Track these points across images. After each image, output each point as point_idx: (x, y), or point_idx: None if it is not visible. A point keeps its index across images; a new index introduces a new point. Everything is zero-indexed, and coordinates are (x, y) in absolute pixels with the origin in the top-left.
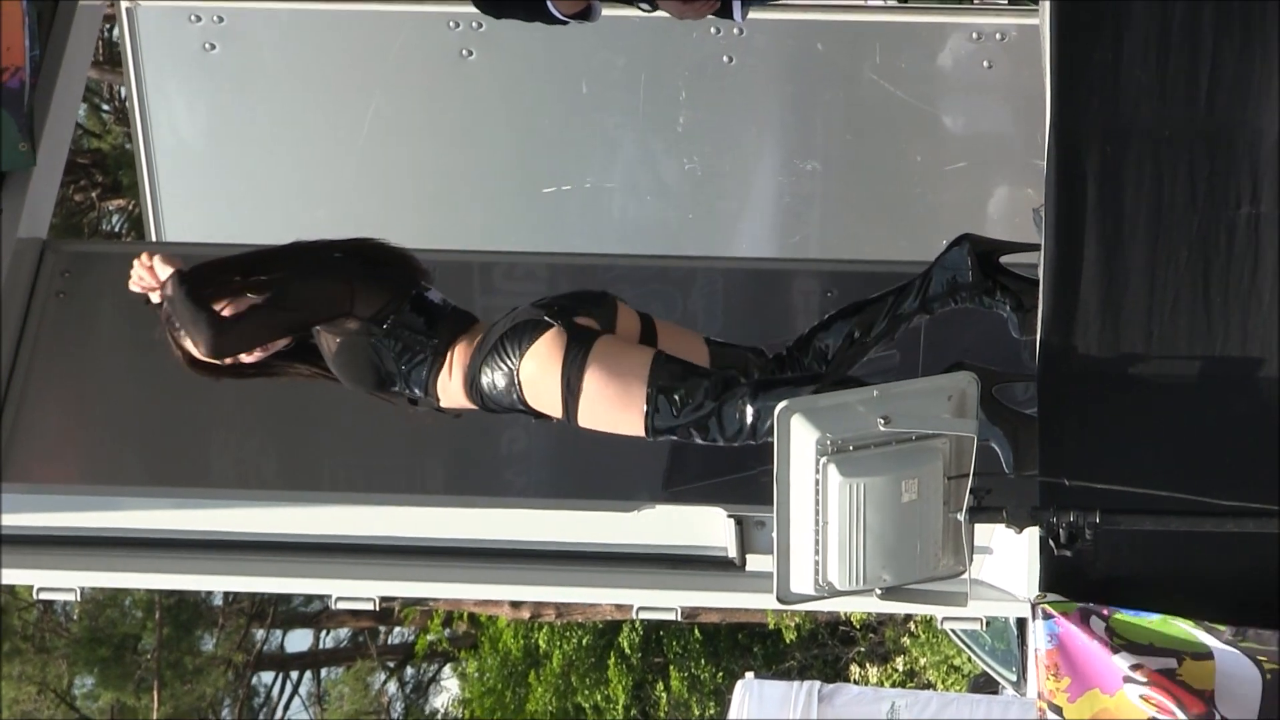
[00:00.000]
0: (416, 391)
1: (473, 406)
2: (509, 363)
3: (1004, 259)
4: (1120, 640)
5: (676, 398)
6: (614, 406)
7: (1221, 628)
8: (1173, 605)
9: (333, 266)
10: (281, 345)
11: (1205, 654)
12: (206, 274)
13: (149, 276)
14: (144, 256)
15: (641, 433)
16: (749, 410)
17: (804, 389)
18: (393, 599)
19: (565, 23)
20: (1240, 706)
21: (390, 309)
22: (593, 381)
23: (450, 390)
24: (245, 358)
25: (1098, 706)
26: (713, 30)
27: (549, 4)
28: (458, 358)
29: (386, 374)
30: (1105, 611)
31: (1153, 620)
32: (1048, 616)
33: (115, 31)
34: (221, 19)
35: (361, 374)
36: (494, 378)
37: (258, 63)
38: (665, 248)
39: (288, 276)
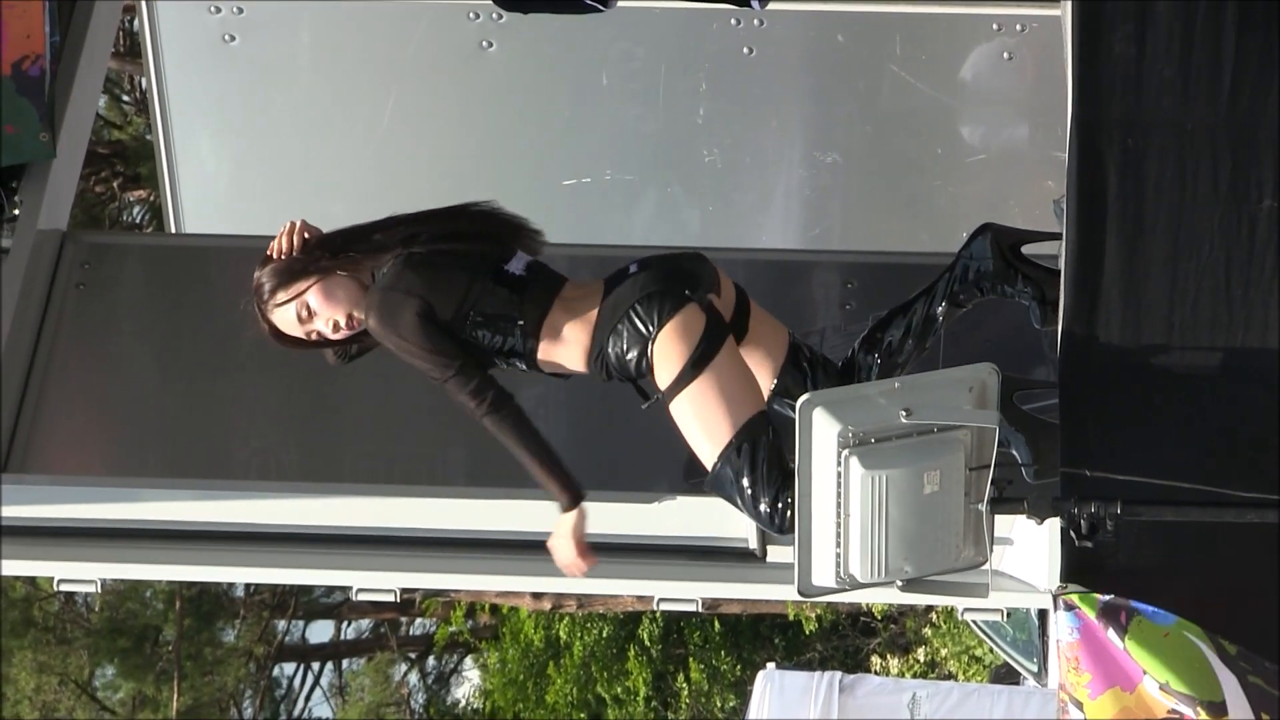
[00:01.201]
0: (520, 365)
1: (583, 371)
2: (645, 329)
3: (1026, 251)
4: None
5: (756, 459)
6: (709, 418)
7: (1231, 649)
8: (1193, 598)
9: (406, 303)
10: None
11: (1220, 705)
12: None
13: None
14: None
15: (708, 461)
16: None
17: None
18: (414, 590)
19: (597, 9)
20: None
21: (468, 304)
22: (708, 380)
23: (558, 356)
24: (330, 336)
25: (1119, 705)
26: (733, 22)
27: None
28: (561, 325)
29: (484, 352)
30: (1123, 619)
31: (1169, 629)
32: (1070, 608)
33: (135, 22)
34: (241, 10)
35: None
36: (625, 345)
37: (277, 54)
38: (685, 240)
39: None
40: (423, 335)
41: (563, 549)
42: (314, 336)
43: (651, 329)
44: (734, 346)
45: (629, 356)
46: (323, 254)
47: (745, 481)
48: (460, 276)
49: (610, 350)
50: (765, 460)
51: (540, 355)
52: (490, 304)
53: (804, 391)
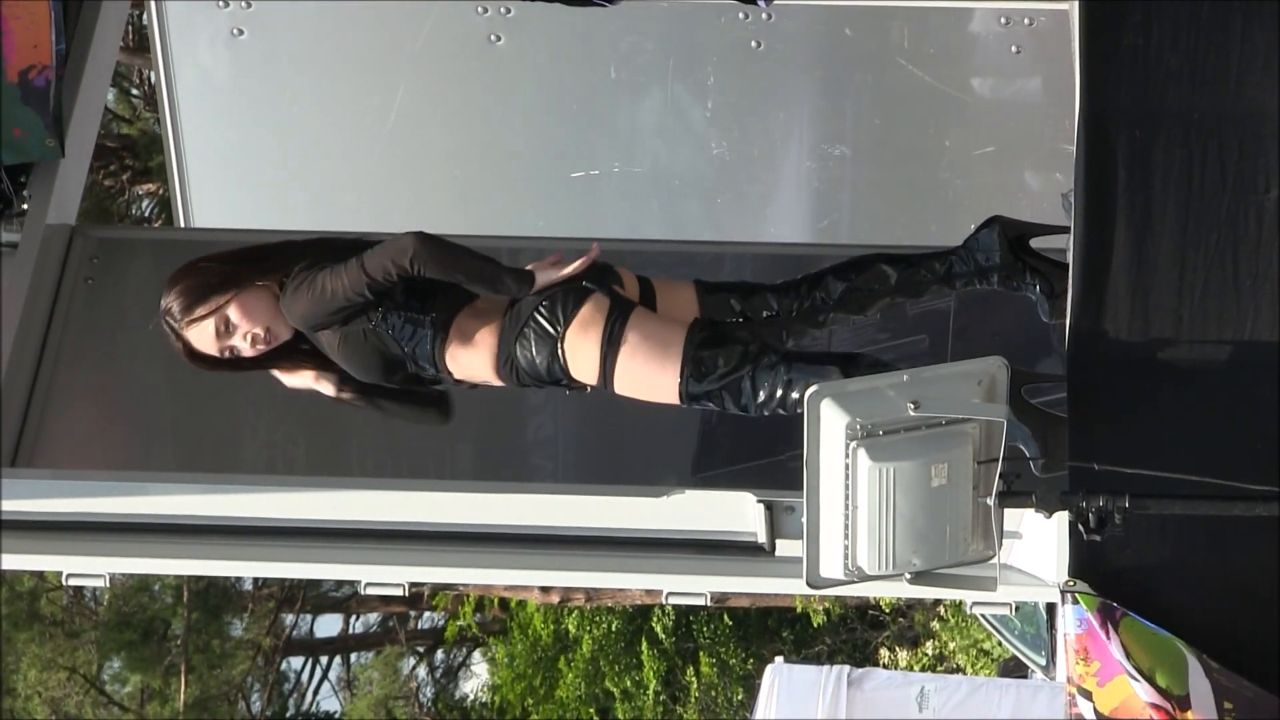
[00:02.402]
0: (427, 368)
1: (490, 382)
2: (553, 330)
3: (1034, 244)
4: (1135, 665)
5: (711, 363)
6: (650, 371)
7: (1215, 664)
8: (1202, 593)
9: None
10: (285, 336)
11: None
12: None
13: None
14: None
15: (675, 398)
16: (781, 379)
17: (831, 367)
18: (422, 584)
19: (594, 4)
20: None
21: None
22: (630, 346)
23: (465, 363)
24: (246, 352)
25: (1127, 691)
26: (741, 15)
27: None
28: (470, 331)
29: (393, 358)
30: (1118, 614)
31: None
32: (1077, 601)
33: (144, 17)
34: (249, 4)
35: (369, 363)
36: (533, 351)
37: (286, 48)
38: (694, 233)
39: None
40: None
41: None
42: (228, 354)
43: (559, 328)
44: (642, 310)
45: (539, 360)
46: (238, 267)
47: (715, 392)
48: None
49: (520, 356)
50: (720, 356)
51: (449, 353)
52: (401, 293)
53: (730, 314)
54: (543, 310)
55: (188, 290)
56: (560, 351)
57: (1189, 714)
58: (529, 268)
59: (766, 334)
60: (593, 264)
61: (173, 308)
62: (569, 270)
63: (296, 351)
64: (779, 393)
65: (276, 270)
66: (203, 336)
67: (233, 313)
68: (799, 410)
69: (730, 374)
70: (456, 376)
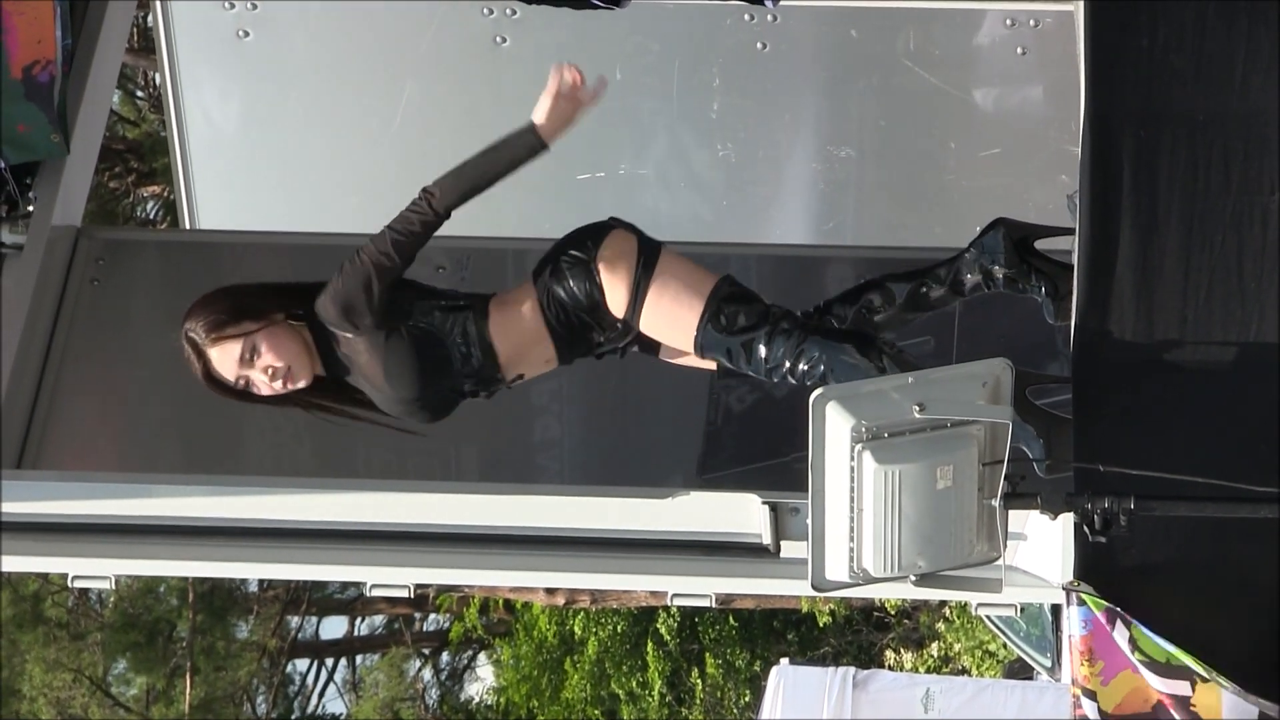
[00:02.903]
0: (474, 354)
1: (537, 344)
2: (584, 254)
3: (1039, 245)
4: (1142, 656)
5: (733, 315)
6: (677, 309)
7: (1227, 683)
8: (1206, 593)
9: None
10: (303, 383)
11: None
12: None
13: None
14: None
15: (690, 344)
16: (794, 345)
17: (846, 344)
18: (428, 586)
19: (598, 6)
20: None
21: (418, 288)
22: (661, 280)
23: (511, 329)
24: (262, 389)
25: (1130, 686)
26: (746, 17)
27: None
28: (508, 300)
29: (438, 358)
30: (1129, 618)
31: (1168, 649)
32: (1082, 602)
33: (149, 18)
34: (255, 6)
35: (413, 365)
36: (570, 279)
37: (291, 50)
38: (699, 234)
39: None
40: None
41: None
42: (242, 384)
43: (590, 253)
44: (671, 250)
45: (575, 286)
46: (277, 298)
47: (730, 343)
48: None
49: (557, 289)
50: (743, 314)
51: (493, 327)
52: (430, 295)
53: None
54: (570, 246)
55: (220, 310)
56: (595, 271)
57: (1216, 689)
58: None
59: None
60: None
61: (200, 324)
62: (583, 100)
63: (308, 401)
64: (788, 362)
65: (306, 305)
66: (225, 359)
67: (260, 341)
68: (807, 382)
69: (747, 330)
70: (501, 356)
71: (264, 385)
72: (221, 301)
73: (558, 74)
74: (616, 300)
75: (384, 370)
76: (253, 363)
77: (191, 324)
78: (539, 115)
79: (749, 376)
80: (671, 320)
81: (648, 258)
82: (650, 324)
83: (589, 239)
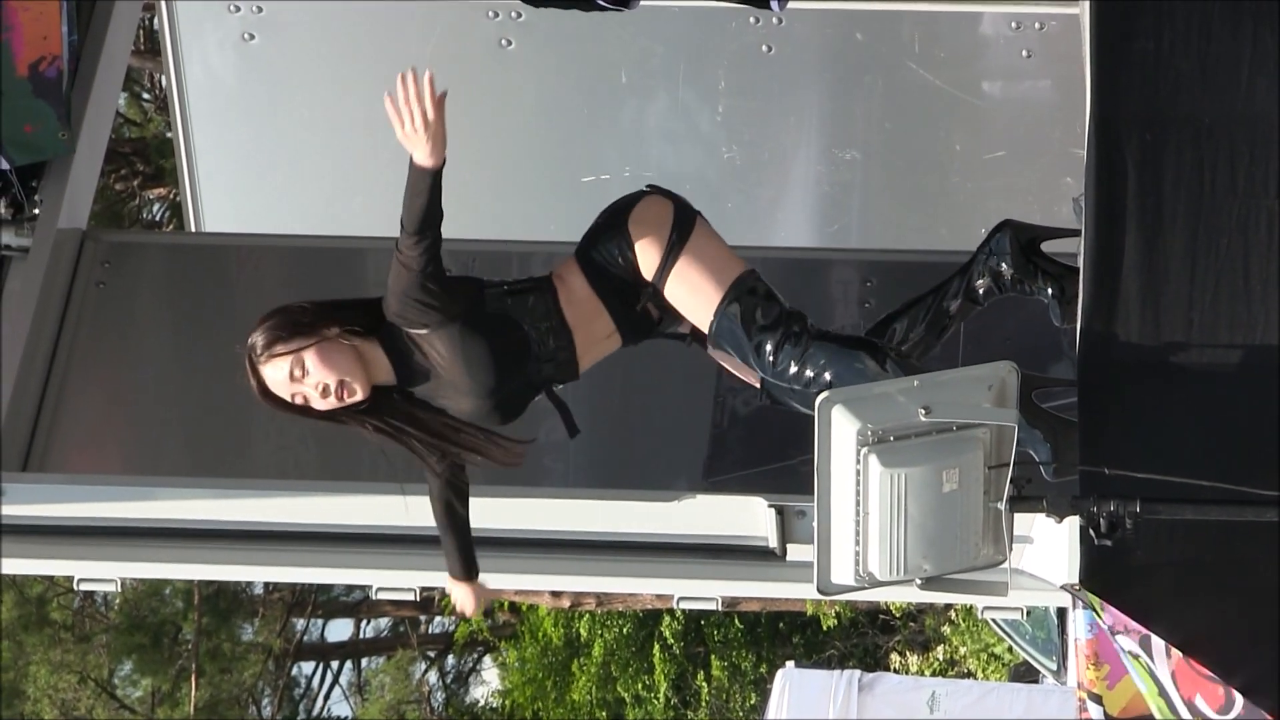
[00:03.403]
0: (548, 336)
1: (597, 317)
2: (619, 217)
3: (1044, 248)
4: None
5: (750, 308)
6: (702, 282)
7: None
8: (1212, 596)
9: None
10: (358, 397)
11: None
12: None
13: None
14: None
15: (706, 323)
16: (804, 349)
17: (859, 350)
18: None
19: (605, 8)
20: None
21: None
22: (692, 249)
23: (576, 306)
24: (316, 404)
25: (1135, 690)
26: (752, 20)
27: None
28: (563, 276)
29: (515, 340)
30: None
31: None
32: (1088, 605)
33: (155, 21)
34: (260, 9)
35: (492, 348)
36: (605, 239)
37: (297, 53)
38: None
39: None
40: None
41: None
42: (299, 400)
43: (623, 214)
44: (709, 226)
45: (611, 247)
46: (328, 318)
47: (743, 333)
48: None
49: (594, 255)
50: (761, 309)
51: (563, 298)
52: (508, 280)
53: None
54: (612, 212)
55: (274, 327)
56: (628, 234)
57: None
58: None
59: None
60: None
61: (257, 343)
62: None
63: (370, 423)
64: (794, 367)
65: (369, 318)
66: (277, 376)
67: (309, 358)
68: (811, 389)
69: (762, 330)
70: (575, 333)
71: (317, 401)
72: (277, 318)
73: (392, 108)
74: (647, 261)
75: (464, 360)
76: (302, 379)
77: (250, 343)
78: (414, 155)
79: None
80: (694, 293)
81: (683, 226)
82: (674, 292)
83: (626, 202)
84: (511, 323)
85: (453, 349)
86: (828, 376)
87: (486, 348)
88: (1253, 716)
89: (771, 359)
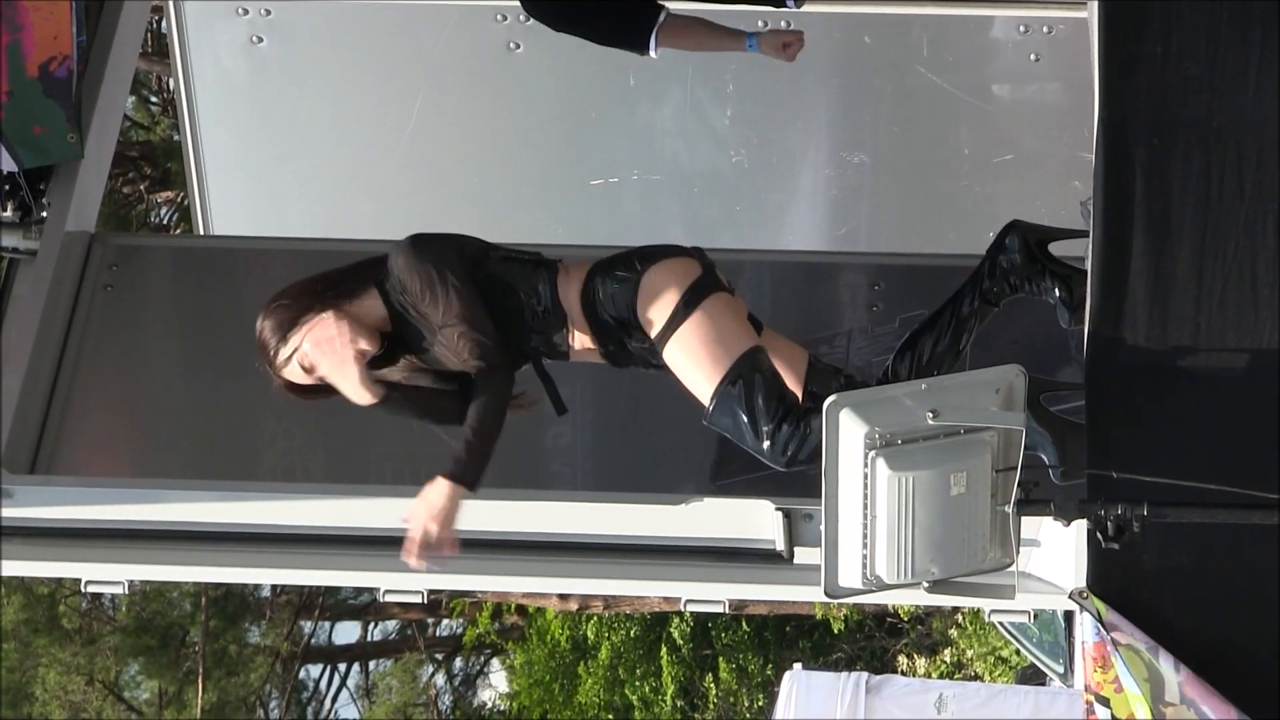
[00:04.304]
0: (548, 309)
1: (582, 324)
2: (637, 267)
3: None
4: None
5: (752, 389)
6: (704, 356)
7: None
8: (1220, 600)
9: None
10: (365, 347)
11: None
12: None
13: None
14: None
15: (707, 396)
16: (803, 432)
17: None
18: (441, 592)
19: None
20: None
21: (492, 248)
22: (701, 319)
23: (568, 293)
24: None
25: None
26: (760, 24)
27: (650, 41)
28: (569, 272)
29: (513, 301)
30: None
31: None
32: (1094, 614)
33: (163, 23)
34: (269, 12)
35: (496, 309)
36: (616, 285)
37: (305, 55)
38: (712, 240)
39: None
40: (454, 269)
41: (423, 512)
42: (324, 380)
43: (644, 265)
44: (730, 299)
45: (617, 292)
46: (309, 301)
47: (743, 413)
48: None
49: (600, 287)
50: (763, 392)
51: (560, 286)
52: (512, 248)
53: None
54: (636, 255)
55: (269, 334)
56: (638, 288)
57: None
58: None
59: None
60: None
61: (266, 353)
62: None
63: (394, 368)
64: (790, 449)
65: (345, 295)
66: (296, 377)
67: (309, 350)
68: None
69: (761, 412)
70: (569, 319)
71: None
72: (266, 323)
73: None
74: (651, 319)
75: (470, 306)
76: (315, 369)
77: (260, 355)
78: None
79: None
80: (695, 363)
81: (697, 293)
82: (673, 357)
83: (655, 253)
84: (508, 287)
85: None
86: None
87: (482, 305)
88: None
89: (769, 443)
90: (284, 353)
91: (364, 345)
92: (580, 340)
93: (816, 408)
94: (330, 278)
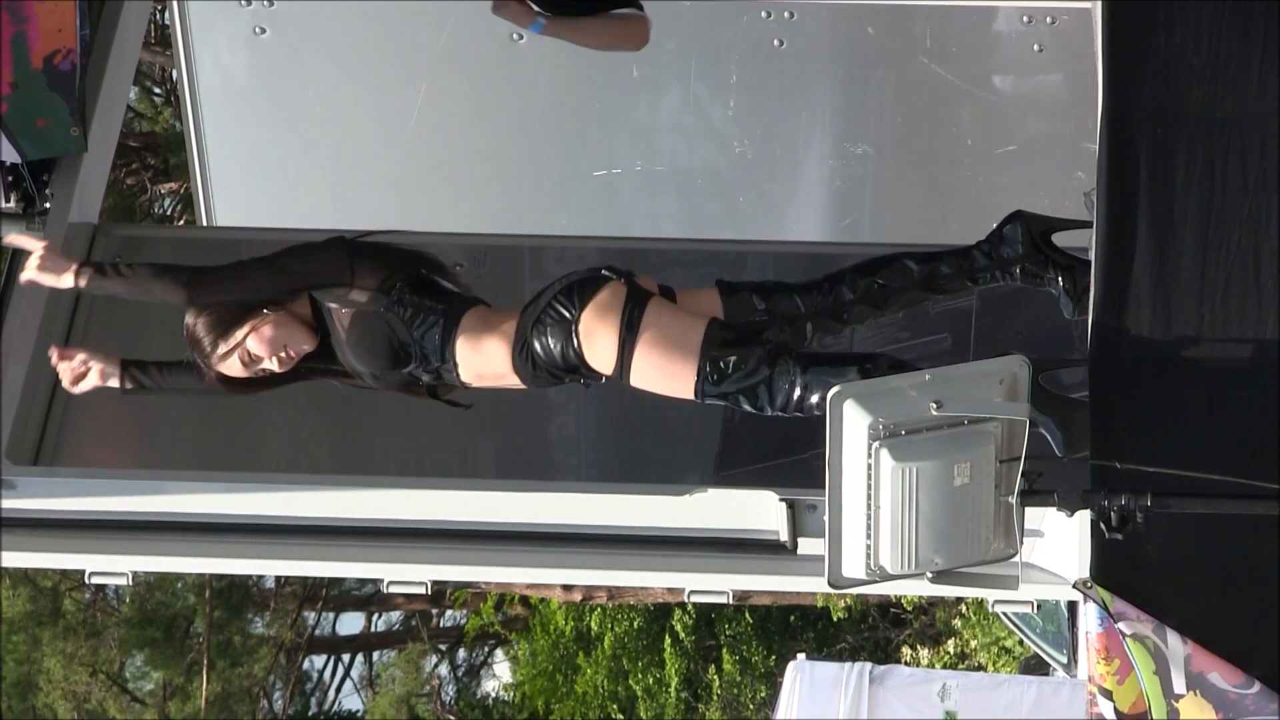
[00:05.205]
0: (434, 361)
1: (503, 379)
2: (569, 314)
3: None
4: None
5: (728, 364)
6: (667, 366)
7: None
8: (1223, 590)
9: (331, 241)
10: (306, 348)
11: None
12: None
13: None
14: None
15: (690, 396)
16: (799, 382)
17: (849, 369)
18: (445, 582)
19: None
20: None
21: (395, 279)
22: (648, 338)
23: (477, 358)
24: (275, 369)
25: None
26: (763, 14)
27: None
28: (484, 325)
29: (400, 346)
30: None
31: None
32: (1099, 602)
33: (166, 14)
34: (271, 3)
35: (376, 347)
36: (548, 335)
37: (307, 46)
38: (716, 231)
39: (288, 249)
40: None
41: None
42: (262, 374)
43: (574, 311)
44: (657, 299)
45: (555, 346)
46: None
47: (731, 388)
48: (388, 257)
49: (536, 344)
50: (734, 360)
51: (460, 346)
52: (419, 283)
53: (753, 313)
54: (560, 297)
55: (207, 329)
56: (575, 335)
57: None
58: None
59: (788, 334)
60: (611, 266)
61: (202, 348)
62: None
63: (326, 362)
64: (795, 395)
65: (274, 293)
66: (234, 369)
67: (252, 344)
68: (816, 413)
69: (747, 377)
70: (463, 375)
71: (280, 368)
72: (202, 320)
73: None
74: (602, 360)
75: (347, 341)
76: (255, 363)
77: (192, 348)
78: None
79: None
80: (665, 376)
81: (632, 314)
82: (642, 380)
83: (576, 295)
84: (398, 331)
85: (346, 328)
86: (814, 400)
87: (366, 341)
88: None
89: (769, 400)
90: (224, 347)
91: (308, 345)
92: (480, 379)
93: (786, 353)
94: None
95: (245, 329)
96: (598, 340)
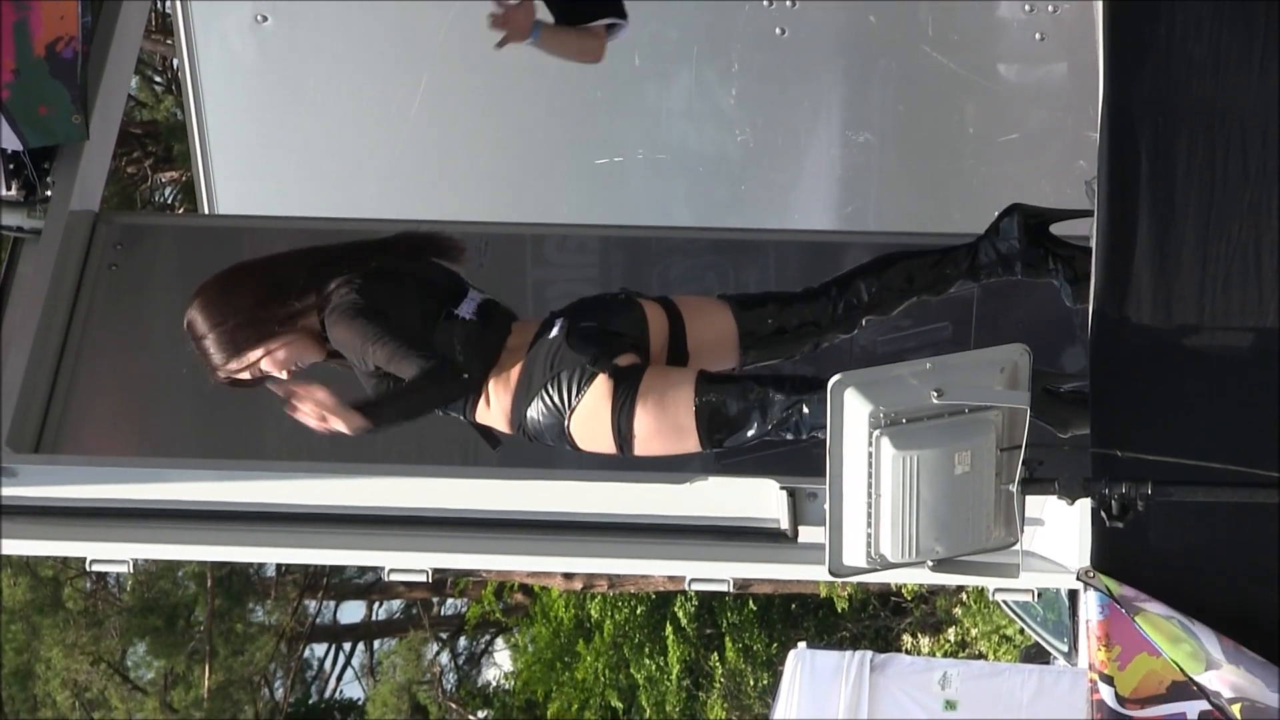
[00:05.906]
0: (452, 413)
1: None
2: (560, 410)
3: (1058, 231)
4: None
5: (723, 419)
6: (668, 442)
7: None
8: (1225, 579)
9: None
10: (316, 360)
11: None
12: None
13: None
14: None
15: (696, 448)
16: (798, 413)
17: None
18: (445, 570)
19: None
20: None
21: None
22: (643, 424)
23: (484, 416)
24: (283, 378)
25: (1145, 669)
26: (765, 3)
27: None
28: (495, 392)
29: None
30: (1136, 605)
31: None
32: (1100, 587)
33: (168, 2)
34: None
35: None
36: (542, 425)
37: (309, 34)
38: (718, 220)
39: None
40: (380, 326)
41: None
42: (259, 375)
43: (565, 411)
44: (645, 383)
45: (549, 436)
46: (260, 314)
47: (733, 429)
48: (413, 312)
49: (530, 424)
50: (729, 405)
51: (479, 413)
52: (443, 345)
53: (769, 331)
54: (550, 387)
55: (219, 348)
56: (568, 433)
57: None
58: None
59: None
60: (621, 302)
61: (209, 359)
62: None
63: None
64: (807, 424)
65: (294, 311)
66: (241, 376)
67: (266, 366)
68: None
69: (747, 429)
70: (477, 420)
71: (284, 377)
72: (214, 334)
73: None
74: (602, 449)
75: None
76: (264, 376)
77: (202, 357)
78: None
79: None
80: (670, 445)
81: (622, 401)
82: (648, 450)
83: (570, 387)
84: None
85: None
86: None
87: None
88: None
89: (787, 432)
90: (234, 365)
91: (318, 359)
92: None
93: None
94: (263, 290)
95: (260, 352)
96: (593, 436)
